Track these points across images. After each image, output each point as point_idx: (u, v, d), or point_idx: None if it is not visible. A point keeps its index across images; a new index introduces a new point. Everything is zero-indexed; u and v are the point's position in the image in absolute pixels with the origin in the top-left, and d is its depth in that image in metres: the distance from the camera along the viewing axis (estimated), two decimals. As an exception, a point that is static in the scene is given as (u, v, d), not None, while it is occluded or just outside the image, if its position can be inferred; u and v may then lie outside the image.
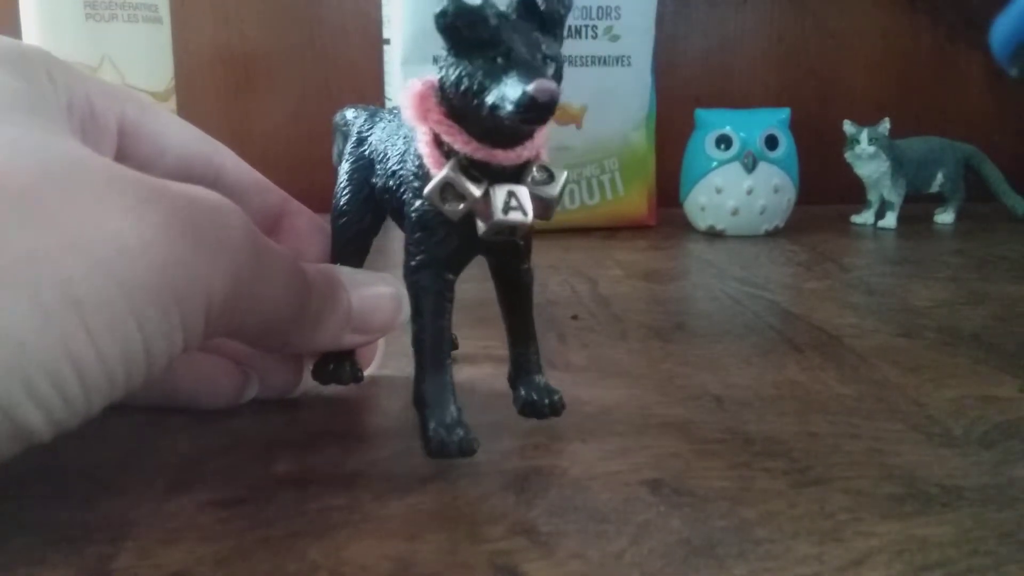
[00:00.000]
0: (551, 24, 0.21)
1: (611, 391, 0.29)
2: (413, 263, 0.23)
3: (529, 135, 0.22)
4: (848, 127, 0.63)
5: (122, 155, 0.24)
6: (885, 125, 0.62)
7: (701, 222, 0.61)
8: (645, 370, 0.32)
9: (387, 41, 0.58)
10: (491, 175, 0.22)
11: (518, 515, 0.21)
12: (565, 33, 0.22)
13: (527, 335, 0.26)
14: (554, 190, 0.23)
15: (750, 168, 0.58)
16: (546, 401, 0.25)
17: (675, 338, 0.36)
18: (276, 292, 0.22)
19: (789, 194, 0.60)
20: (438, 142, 0.22)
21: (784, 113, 0.61)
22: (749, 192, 0.59)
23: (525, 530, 0.20)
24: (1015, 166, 0.68)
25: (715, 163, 0.59)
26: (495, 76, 0.20)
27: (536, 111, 0.20)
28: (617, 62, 0.60)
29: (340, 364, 0.27)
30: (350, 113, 0.29)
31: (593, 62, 0.60)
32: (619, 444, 0.25)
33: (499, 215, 0.21)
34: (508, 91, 0.20)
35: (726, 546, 0.19)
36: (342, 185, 0.27)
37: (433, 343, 0.23)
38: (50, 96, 0.21)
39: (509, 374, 0.26)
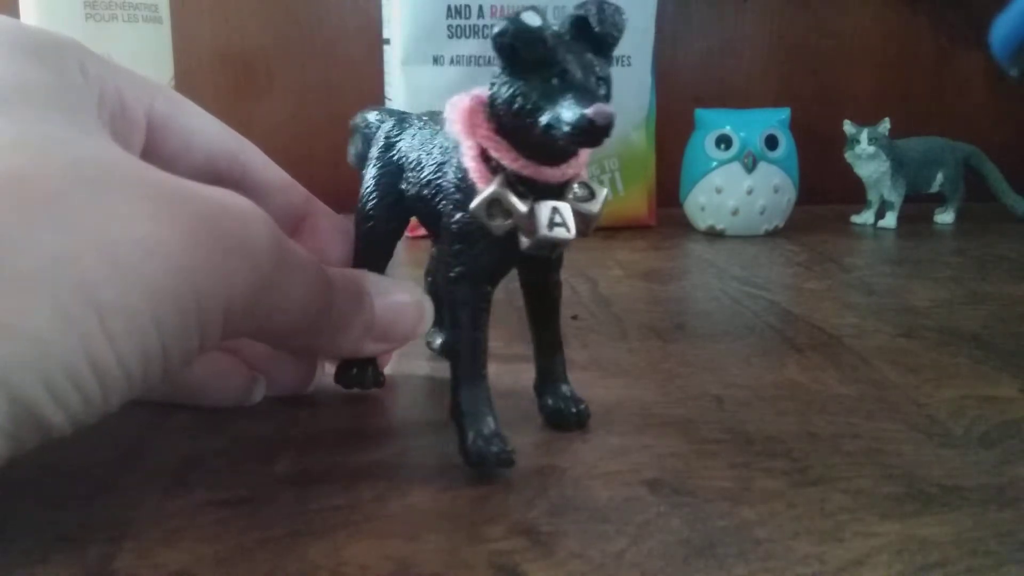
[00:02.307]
0: (604, 46, 0.22)
1: (611, 391, 0.29)
2: (452, 274, 0.23)
3: (575, 153, 0.22)
4: (848, 127, 0.63)
5: (150, 149, 0.24)
6: (885, 125, 0.62)
7: (701, 222, 0.61)
8: (645, 370, 0.32)
9: (387, 41, 0.58)
10: (536, 191, 0.22)
11: (518, 515, 0.21)
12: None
13: (554, 345, 0.26)
14: (595, 207, 0.23)
15: (750, 168, 0.58)
16: (572, 410, 0.26)
17: (675, 338, 0.36)
18: (298, 297, 0.22)
19: (789, 194, 0.60)
20: (485, 157, 0.22)
21: (784, 113, 0.61)
22: (749, 192, 0.59)
23: (525, 530, 0.20)
24: (1015, 166, 0.68)
25: (715, 163, 0.59)
26: (550, 97, 0.20)
27: (594, 134, 0.20)
28: (617, 62, 0.60)
29: (363, 368, 0.28)
30: (372, 115, 0.29)
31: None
32: (619, 444, 0.25)
33: (544, 231, 0.22)
34: (565, 113, 0.20)
35: (726, 546, 0.19)
36: (368, 189, 0.27)
37: (471, 354, 0.23)
38: (82, 90, 0.21)
39: (535, 382, 0.26)
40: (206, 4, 0.70)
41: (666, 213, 0.64)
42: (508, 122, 0.21)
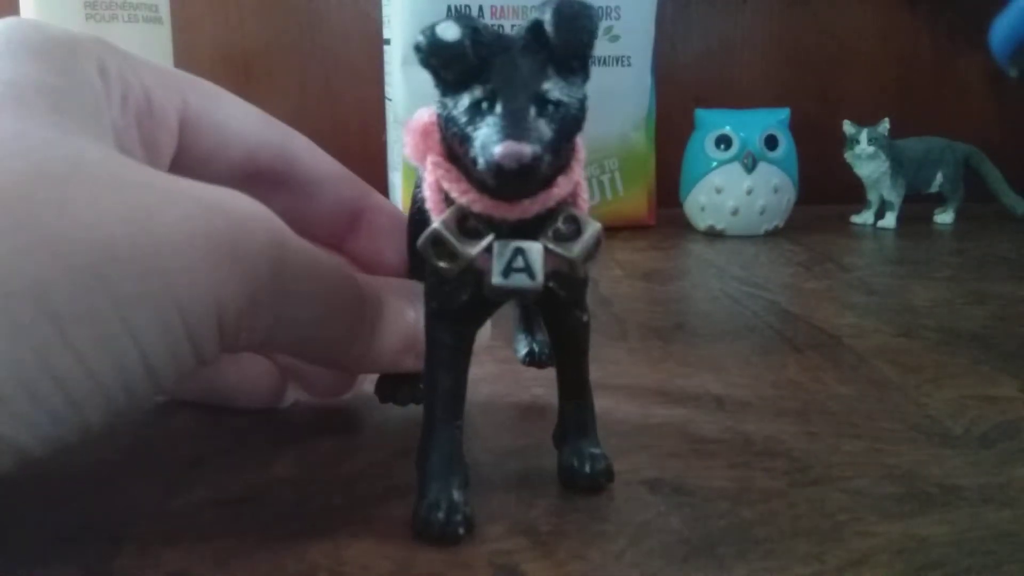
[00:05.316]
0: (568, 56, 0.18)
1: (611, 391, 0.29)
2: (428, 311, 0.20)
3: (542, 186, 0.18)
4: (848, 127, 0.63)
5: (183, 148, 0.23)
6: (885, 125, 0.62)
7: (701, 222, 0.61)
8: (645, 370, 0.32)
9: (387, 41, 0.58)
10: (496, 228, 0.18)
11: (518, 515, 0.21)
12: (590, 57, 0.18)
13: (578, 389, 0.22)
14: (574, 250, 0.18)
15: (750, 168, 0.58)
16: (586, 470, 0.22)
17: (675, 338, 0.36)
18: (312, 308, 0.20)
19: (789, 194, 0.60)
20: (441, 185, 0.19)
21: (784, 113, 0.61)
22: (749, 192, 0.59)
23: (525, 530, 0.20)
24: (1015, 166, 0.68)
25: (715, 163, 0.59)
26: (477, 124, 0.17)
27: (505, 179, 0.16)
28: (617, 62, 0.60)
29: (400, 383, 0.25)
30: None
31: (593, 62, 0.60)
32: (619, 444, 0.25)
33: (498, 279, 0.18)
34: (483, 148, 0.17)
35: (726, 546, 0.19)
36: (415, 193, 0.24)
37: (444, 400, 0.20)
38: (85, 90, 0.20)
39: (555, 431, 0.23)
40: (206, 4, 0.70)
41: (666, 213, 0.64)
42: (453, 147, 0.18)
